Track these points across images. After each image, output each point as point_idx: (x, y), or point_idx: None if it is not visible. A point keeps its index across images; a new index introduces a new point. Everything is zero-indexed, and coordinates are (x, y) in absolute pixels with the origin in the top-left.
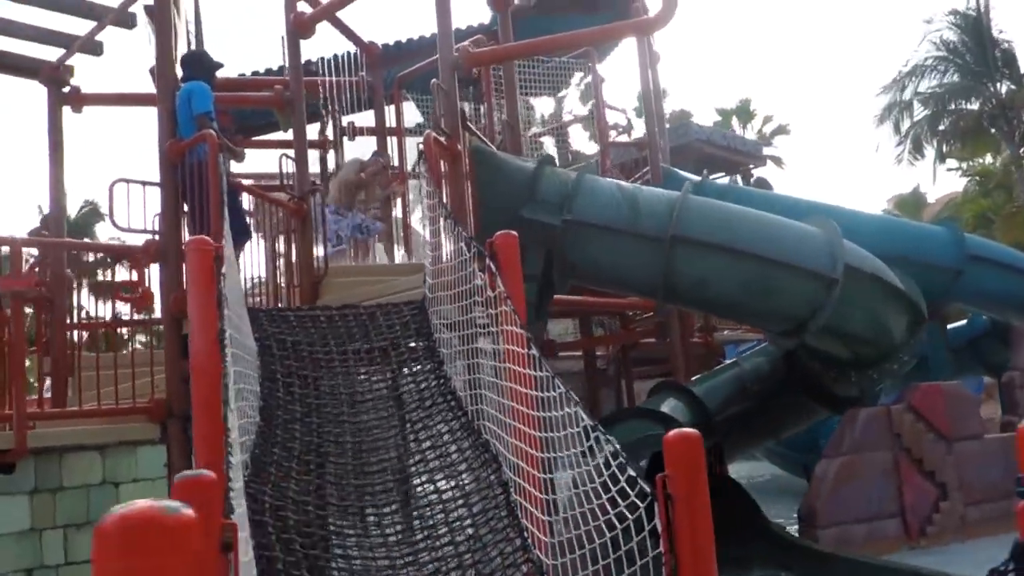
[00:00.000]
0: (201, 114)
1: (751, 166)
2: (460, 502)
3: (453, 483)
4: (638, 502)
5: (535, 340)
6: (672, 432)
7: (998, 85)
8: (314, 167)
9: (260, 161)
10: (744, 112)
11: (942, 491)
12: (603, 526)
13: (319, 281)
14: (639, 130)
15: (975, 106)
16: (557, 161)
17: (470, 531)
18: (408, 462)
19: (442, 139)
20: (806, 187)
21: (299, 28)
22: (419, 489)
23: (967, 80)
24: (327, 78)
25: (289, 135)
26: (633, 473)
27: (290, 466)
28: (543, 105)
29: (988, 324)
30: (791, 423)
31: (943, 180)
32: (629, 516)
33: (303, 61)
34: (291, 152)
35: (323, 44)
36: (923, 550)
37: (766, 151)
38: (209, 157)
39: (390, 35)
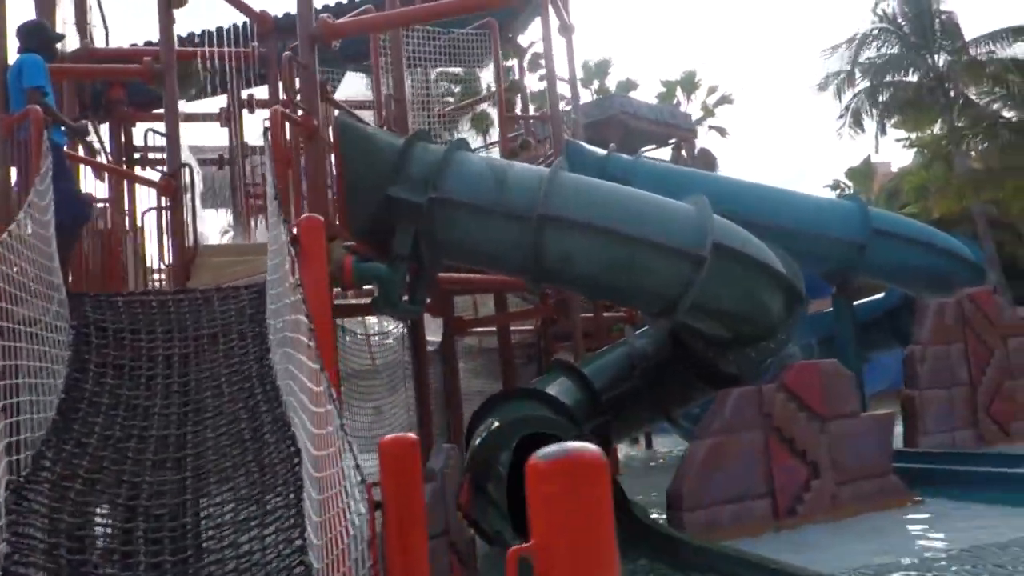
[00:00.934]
0: (31, 88)
1: (680, 140)
2: (255, 500)
3: (253, 479)
4: (361, 508)
5: (414, 321)
6: (386, 438)
7: (936, 57)
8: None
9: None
10: (688, 83)
11: (813, 470)
12: (342, 532)
13: (190, 261)
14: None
15: (914, 78)
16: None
17: (255, 531)
18: (210, 456)
19: (296, 114)
20: (755, 158)
21: None
22: (215, 486)
23: (906, 51)
24: (207, 48)
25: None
26: (359, 478)
27: (80, 463)
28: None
29: (903, 296)
30: (678, 401)
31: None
32: (355, 523)
33: (192, 32)
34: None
35: (222, 15)
36: (791, 531)
37: (710, 122)
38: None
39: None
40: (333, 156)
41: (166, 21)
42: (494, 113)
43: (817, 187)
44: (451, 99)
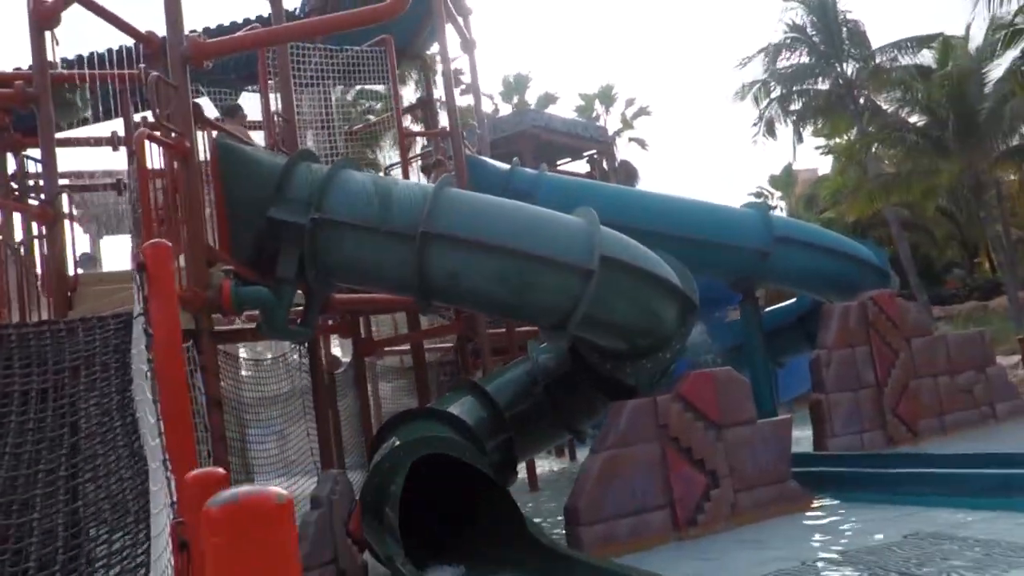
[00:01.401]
0: None
1: (598, 152)
2: (103, 540)
3: (103, 517)
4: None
5: (310, 344)
6: (191, 474)
7: (845, 65)
8: None
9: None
10: (606, 96)
11: (712, 479)
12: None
13: (72, 290)
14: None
15: (825, 85)
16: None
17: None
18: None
19: (168, 137)
20: (677, 169)
21: (42, 18)
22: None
23: (816, 60)
24: (88, 71)
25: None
26: (170, 517)
27: None
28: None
29: (815, 301)
30: (582, 415)
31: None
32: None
33: (80, 55)
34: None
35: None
36: (693, 541)
37: (629, 134)
38: None
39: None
40: (212, 179)
41: (38, 42)
42: (417, 128)
43: (742, 195)
44: (372, 116)
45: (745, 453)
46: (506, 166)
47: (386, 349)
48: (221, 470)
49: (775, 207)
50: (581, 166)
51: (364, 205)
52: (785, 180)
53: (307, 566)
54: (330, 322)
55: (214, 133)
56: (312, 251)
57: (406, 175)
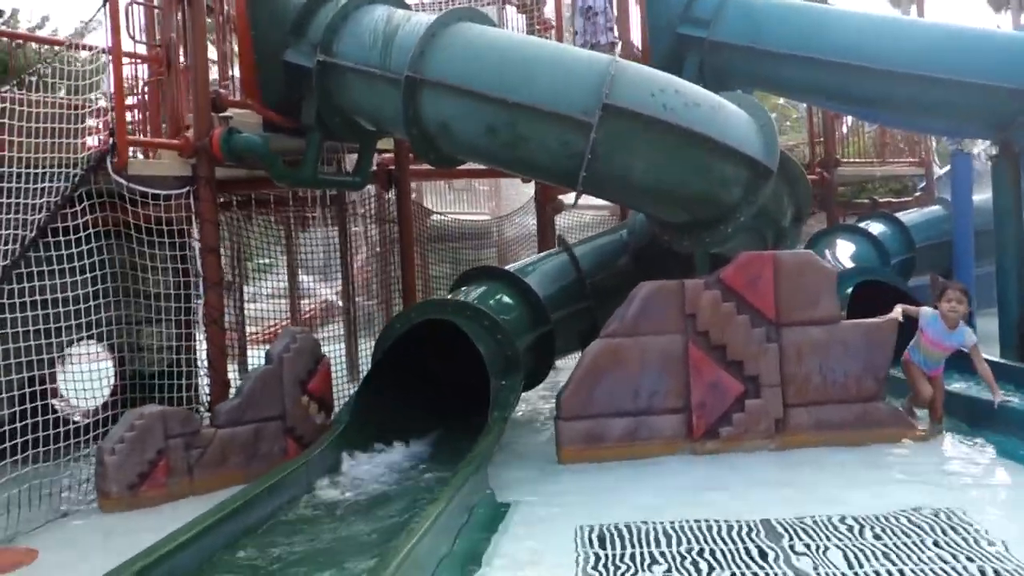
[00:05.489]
0: None
1: None
2: None
3: None
4: None
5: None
6: None
7: None
8: None
9: None
10: None
11: (752, 387)
12: None
13: None
14: None
15: None
16: None
17: None
18: None
19: None
20: None
21: None
22: None
23: None
24: None
25: None
26: None
27: None
28: None
29: None
30: None
31: None
32: None
33: None
34: None
35: None
36: (711, 456)
37: None
38: None
39: None
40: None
41: None
42: None
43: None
44: None
45: (812, 361)
46: None
47: None
48: None
49: None
50: None
51: (369, 48)
52: None
53: (236, 420)
54: None
55: None
56: (324, 96)
57: None
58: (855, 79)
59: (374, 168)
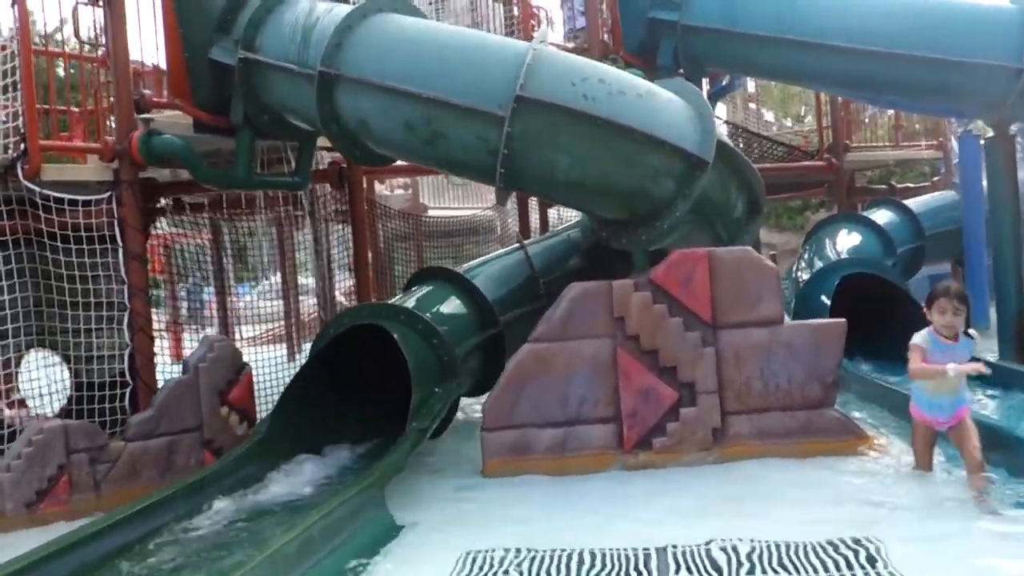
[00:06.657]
0: None
1: None
2: None
3: None
4: None
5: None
6: None
7: None
8: None
9: None
10: None
11: (687, 394)
12: None
13: None
14: None
15: None
16: None
17: None
18: None
19: None
20: None
21: None
22: None
23: None
24: None
25: None
26: None
27: None
28: None
29: None
30: None
31: None
32: None
33: None
34: None
35: None
36: (645, 471)
37: None
38: None
39: None
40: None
41: None
42: None
43: None
44: None
45: (753, 365)
46: None
47: None
48: None
49: None
50: None
51: (288, 42)
52: None
53: (148, 432)
54: None
55: None
56: (249, 95)
57: None
58: (836, 60)
59: (324, 167)
